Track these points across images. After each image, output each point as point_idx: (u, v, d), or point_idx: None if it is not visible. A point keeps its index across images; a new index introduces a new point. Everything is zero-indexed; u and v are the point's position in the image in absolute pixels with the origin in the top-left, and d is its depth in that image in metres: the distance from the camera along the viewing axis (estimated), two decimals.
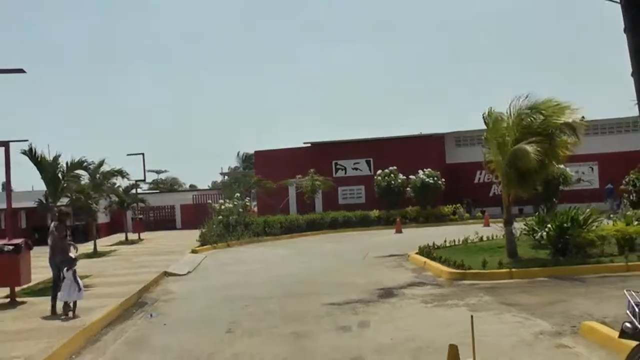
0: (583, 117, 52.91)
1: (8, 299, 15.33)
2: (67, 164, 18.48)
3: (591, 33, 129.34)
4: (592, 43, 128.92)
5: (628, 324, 6.58)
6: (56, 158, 18.15)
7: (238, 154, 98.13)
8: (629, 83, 6.33)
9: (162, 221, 55.93)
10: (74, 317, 13.06)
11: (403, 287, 16.32)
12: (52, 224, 14.78)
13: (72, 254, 14.22)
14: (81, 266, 19.52)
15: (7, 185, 17.75)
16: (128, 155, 45.52)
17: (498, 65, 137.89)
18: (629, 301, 6.64)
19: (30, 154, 17.69)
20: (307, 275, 19.64)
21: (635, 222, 21.42)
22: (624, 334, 6.69)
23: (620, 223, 21.06)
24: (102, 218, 43.83)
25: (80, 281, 13.67)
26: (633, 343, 6.56)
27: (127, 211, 43.26)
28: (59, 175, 18.04)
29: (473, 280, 16.52)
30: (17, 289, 15.61)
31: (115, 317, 13.72)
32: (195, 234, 37.28)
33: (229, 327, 12.13)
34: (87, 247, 29.06)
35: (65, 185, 18.24)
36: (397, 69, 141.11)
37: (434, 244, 23.25)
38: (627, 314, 6.60)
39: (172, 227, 55.05)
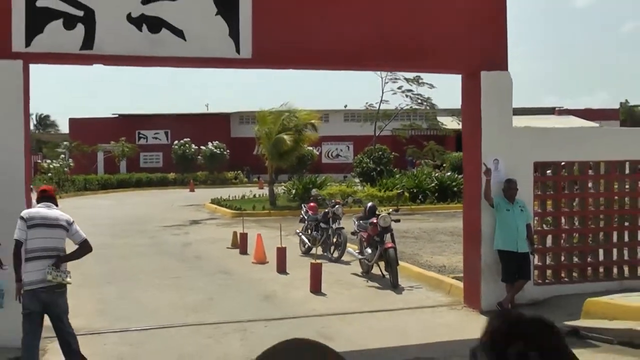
0: (346, 105, 66.08)
1: None
2: None
3: None
4: None
5: (300, 217, 17.35)
6: None
7: (33, 116, 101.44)
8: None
9: None
10: None
11: (204, 220, 26.59)
12: None
13: None
14: None
15: None
16: None
17: None
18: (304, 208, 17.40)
19: None
20: (136, 214, 29.12)
21: (354, 187, 33.19)
22: (300, 221, 17.47)
23: (342, 185, 32.60)
24: None
25: None
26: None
27: None
28: None
29: (246, 217, 26.88)
30: None
31: None
32: None
33: (111, 234, 21.60)
34: None
35: None
36: None
37: (221, 197, 33.49)
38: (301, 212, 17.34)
39: None
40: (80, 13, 9.21)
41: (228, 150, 54.88)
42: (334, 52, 10.23)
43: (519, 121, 41.11)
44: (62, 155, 46.43)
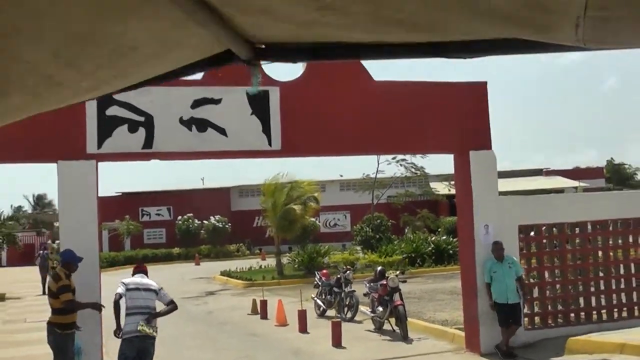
0: (341, 175, 67.18)
1: None
2: None
3: None
4: None
5: (314, 283, 19.23)
6: None
7: (30, 196, 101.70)
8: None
9: None
10: None
11: (218, 290, 28.38)
12: None
13: None
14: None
15: None
16: None
17: None
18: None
19: None
20: None
21: (355, 254, 35.13)
22: (314, 287, 19.36)
23: (345, 253, 34.54)
24: None
25: None
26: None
27: None
28: None
29: (258, 287, 28.70)
30: None
31: None
32: (30, 269, 46.38)
33: None
34: None
35: None
36: None
37: (230, 269, 35.30)
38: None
39: None
40: (142, 119, 11.35)
41: (229, 224, 56.83)
42: (349, 143, 12.41)
43: (509, 183, 43.41)
44: None
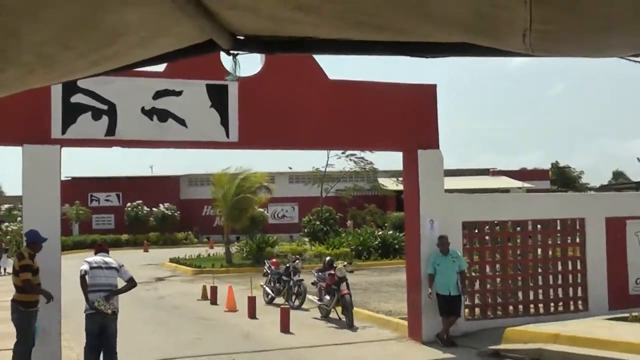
0: (290, 167, 67.75)
1: None
2: None
3: None
4: None
5: (264, 271, 19.64)
6: None
7: None
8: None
9: None
10: None
11: (168, 277, 28.62)
12: None
13: None
14: None
15: None
16: None
17: None
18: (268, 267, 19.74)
19: None
20: None
21: (303, 245, 35.61)
22: (264, 275, 19.77)
23: (293, 244, 35.01)
24: None
25: None
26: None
27: None
28: None
29: (207, 274, 28.97)
30: None
31: None
32: None
33: None
34: None
35: None
36: None
37: (178, 257, 35.47)
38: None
39: None
40: (105, 107, 11.60)
41: (178, 212, 56.83)
42: (303, 137, 12.85)
43: (455, 182, 44.37)
44: (19, 218, 47.75)
